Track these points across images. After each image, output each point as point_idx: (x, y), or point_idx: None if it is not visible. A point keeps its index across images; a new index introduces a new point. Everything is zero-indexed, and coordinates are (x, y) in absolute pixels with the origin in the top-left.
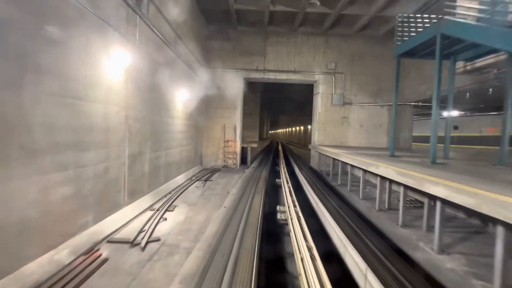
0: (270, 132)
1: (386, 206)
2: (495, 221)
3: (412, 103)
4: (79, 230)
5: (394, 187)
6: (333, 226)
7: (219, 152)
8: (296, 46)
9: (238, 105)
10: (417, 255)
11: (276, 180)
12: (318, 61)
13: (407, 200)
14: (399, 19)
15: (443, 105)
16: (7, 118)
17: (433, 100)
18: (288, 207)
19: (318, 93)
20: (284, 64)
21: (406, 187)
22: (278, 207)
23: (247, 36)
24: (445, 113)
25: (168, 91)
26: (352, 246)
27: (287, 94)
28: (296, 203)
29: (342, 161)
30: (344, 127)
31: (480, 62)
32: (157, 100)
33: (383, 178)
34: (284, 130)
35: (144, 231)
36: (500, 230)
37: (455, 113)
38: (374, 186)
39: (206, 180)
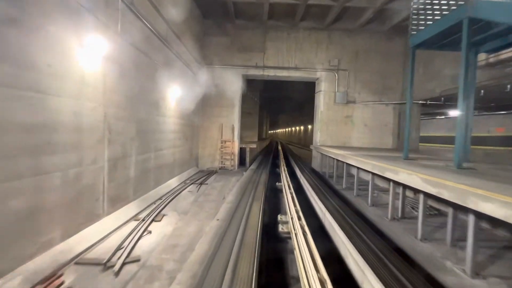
0: (269, 132)
1: (399, 214)
2: None
3: (420, 102)
4: (40, 250)
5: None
6: (348, 247)
7: (216, 153)
8: (297, 41)
9: (236, 104)
10: (448, 280)
11: (277, 183)
12: (320, 58)
13: (417, 207)
14: (415, 6)
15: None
16: None
17: (459, 95)
18: (292, 218)
19: (320, 91)
20: (285, 61)
21: (427, 194)
22: (279, 217)
23: (245, 30)
24: (452, 113)
25: (158, 87)
26: (371, 272)
27: (287, 93)
28: (300, 213)
29: (347, 163)
30: (347, 127)
31: (506, 54)
32: (146, 97)
33: (395, 182)
34: (284, 130)
35: (123, 247)
36: None
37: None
38: (382, 190)
39: (201, 184)
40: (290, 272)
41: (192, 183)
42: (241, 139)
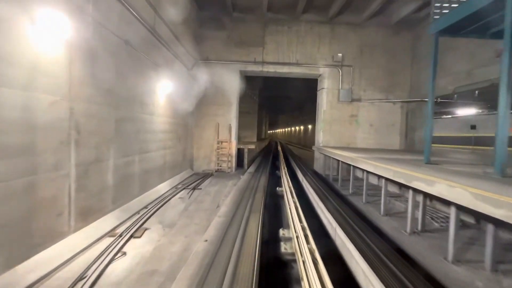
0: (268, 132)
1: (419, 226)
2: None
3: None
4: None
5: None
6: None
7: (212, 154)
8: (299, 35)
9: (233, 102)
10: None
11: (277, 188)
12: (323, 53)
13: (436, 217)
14: None
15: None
16: None
17: (501, 87)
18: (297, 237)
19: (323, 88)
20: (285, 56)
21: (459, 206)
22: (281, 232)
23: (243, 24)
24: (462, 112)
25: (145, 81)
26: None
27: (286, 92)
28: (308, 231)
29: (354, 166)
30: (352, 127)
31: None
32: (128, 92)
33: (415, 190)
34: (283, 130)
35: (85, 277)
36: None
37: (472, 111)
38: (392, 195)
39: (194, 189)
40: None
41: (184, 188)
42: (239, 139)
